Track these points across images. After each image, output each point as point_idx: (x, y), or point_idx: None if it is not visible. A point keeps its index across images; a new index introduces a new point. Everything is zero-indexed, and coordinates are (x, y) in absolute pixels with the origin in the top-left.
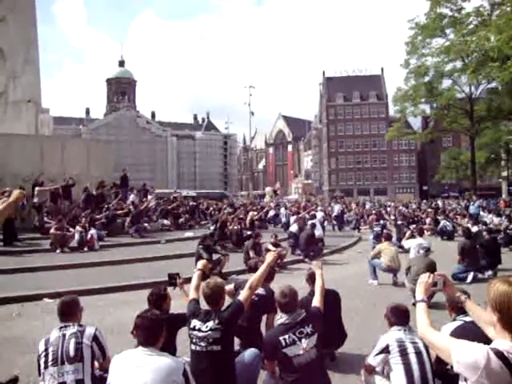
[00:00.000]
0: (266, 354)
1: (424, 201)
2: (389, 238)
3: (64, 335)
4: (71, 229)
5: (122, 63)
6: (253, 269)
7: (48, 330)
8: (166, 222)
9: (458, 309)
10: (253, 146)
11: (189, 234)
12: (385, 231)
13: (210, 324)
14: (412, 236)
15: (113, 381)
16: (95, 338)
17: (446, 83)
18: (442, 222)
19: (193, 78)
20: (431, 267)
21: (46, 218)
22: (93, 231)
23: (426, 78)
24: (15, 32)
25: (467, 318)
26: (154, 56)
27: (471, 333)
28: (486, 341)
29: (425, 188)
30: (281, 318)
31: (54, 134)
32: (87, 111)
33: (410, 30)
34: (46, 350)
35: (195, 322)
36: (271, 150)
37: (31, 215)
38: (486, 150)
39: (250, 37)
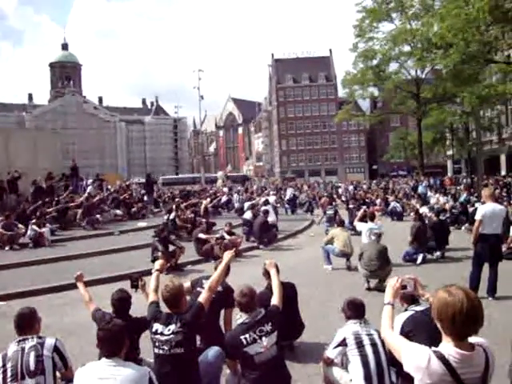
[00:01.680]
0: (228, 354)
1: (374, 181)
2: (341, 223)
3: (23, 349)
4: (20, 225)
5: (65, 46)
6: (208, 255)
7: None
8: (118, 212)
9: (409, 299)
10: (203, 130)
11: (142, 224)
12: (337, 217)
13: (172, 327)
14: (364, 218)
15: None
16: (56, 349)
17: (394, 66)
18: (392, 204)
19: (141, 61)
20: (382, 253)
21: None
22: (45, 229)
23: (374, 62)
24: None
25: (418, 308)
26: (99, 38)
27: (421, 322)
28: (436, 330)
29: (374, 167)
30: (240, 318)
31: None
32: (30, 97)
33: (358, 13)
34: (4, 365)
35: (157, 326)
36: (221, 132)
37: None
38: (433, 130)
39: (199, 19)
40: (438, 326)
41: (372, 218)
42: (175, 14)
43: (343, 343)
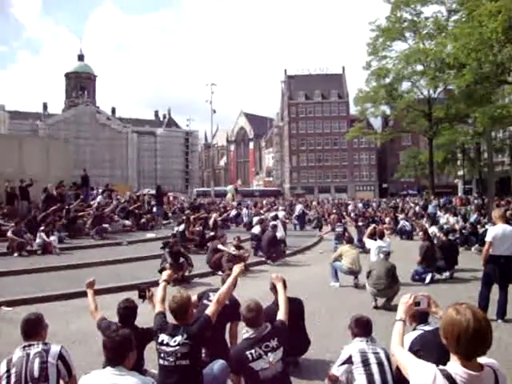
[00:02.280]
0: (233, 369)
1: (384, 199)
2: (350, 240)
3: (28, 355)
4: (28, 233)
5: (81, 57)
6: (216, 266)
7: (6, 341)
8: (127, 222)
9: (419, 318)
10: (214, 143)
11: (151, 235)
12: (346, 234)
13: (179, 339)
14: (373, 235)
15: None
16: (61, 357)
17: (406, 85)
18: (402, 222)
19: (154, 73)
20: (391, 271)
21: (1, 221)
22: (53, 237)
23: (387, 80)
24: None
25: (426, 327)
26: (114, 50)
27: (430, 341)
28: (444, 349)
29: (384, 186)
30: (246, 333)
31: (11, 131)
32: (45, 106)
33: (371, 32)
34: (9, 371)
35: (163, 337)
36: (233, 147)
37: None
38: (444, 149)
39: (213, 33)
40: (445, 344)
41: (381, 235)
42: (189, 27)
43: (349, 361)
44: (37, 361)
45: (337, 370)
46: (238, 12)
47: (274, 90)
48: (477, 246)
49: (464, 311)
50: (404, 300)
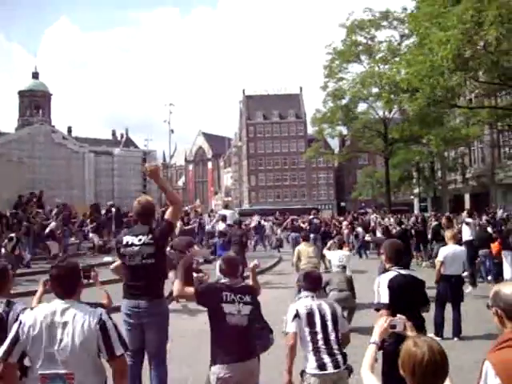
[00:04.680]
0: (200, 295)
1: (341, 218)
2: (306, 238)
3: None
4: None
5: (35, 75)
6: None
7: None
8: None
9: (394, 260)
10: (173, 163)
11: (108, 258)
12: (302, 233)
13: (144, 238)
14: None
15: (29, 336)
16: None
17: (363, 106)
18: (360, 232)
19: (111, 92)
20: (350, 282)
21: None
22: None
23: (343, 101)
24: None
25: (402, 271)
26: (70, 68)
27: (402, 285)
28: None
29: (342, 204)
30: (223, 279)
31: None
32: None
33: (328, 54)
34: None
35: (127, 238)
36: (191, 166)
37: None
38: (399, 168)
39: (170, 52)
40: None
41: (341, 246)
42: (147, 46)
43: (297, 316)
44: None
45: (290, 327)
46: (195, 31)
47: (233, 110)
48: (428, 262)
49: (421, 343)
50: (379, 323)
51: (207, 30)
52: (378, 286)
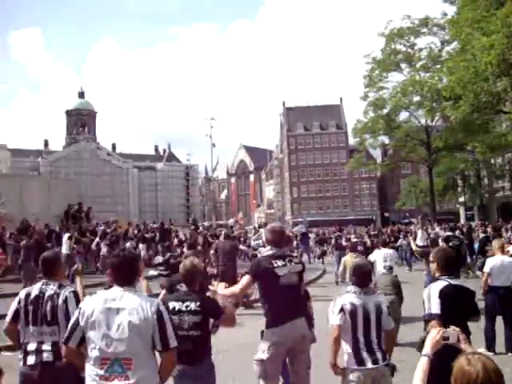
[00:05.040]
0: (254, 270)
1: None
2: (354, 248)
3: (43, 295)
4: None
5: (81, 94)
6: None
7: None
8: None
9: (445, 268)
10: (215, 177)
11: (153, 272)
12: (350, 242)
13: (191, 305)
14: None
15: (88, 321)
16: (66, 300)
17: (404, 115)
18: (400, 241)
19: (154, 108)
20: (397, 284)
21: None
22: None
23: (384, 111)
24: None
25: (453, 281)
26: (113, 85)
27: (453, 297)
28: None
29: (386, 215)
30: (269, 250)
31: (12, 169)
32: (46, 143)
33: (367, 64)
34: (26, 305)
35: (174, 304)
36: (233, 180)
37: None
38: (444, 177)
39: (211, 66)
40: None
41: (384, 244)
42: (187, 62)
43: (342, 311)
44: (49, 304)
45: (335, 319)
46: (235, 45)
47: (273, 122)
48: (478, 272)
49: (475, 362)
50: (432, 335)
51: (246, 42)
52: (428, 296)
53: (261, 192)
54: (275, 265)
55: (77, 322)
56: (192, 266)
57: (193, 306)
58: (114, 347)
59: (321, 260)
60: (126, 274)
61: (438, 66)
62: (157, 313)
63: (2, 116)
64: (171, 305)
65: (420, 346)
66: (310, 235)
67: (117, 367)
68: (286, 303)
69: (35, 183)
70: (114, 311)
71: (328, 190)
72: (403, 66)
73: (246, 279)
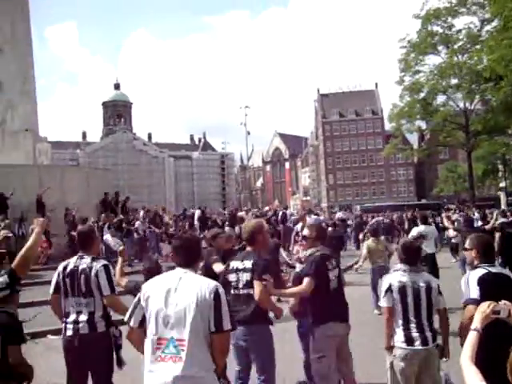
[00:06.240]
0: (317, 271)
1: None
2: (375, 233)
3: (77, 268)
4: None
5: (117, 86)
6: None
7: (53, 369)
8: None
9: (484, 255)
10: (250, 165)
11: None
12: (369, 228)
13: (247, 263)
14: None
15: (148, 301)
16: (97, 274)
17: (441, 99)
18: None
19: (188, 97)
20: (430, 260)
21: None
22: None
23: (421, 95)
24: (12, 62)
25: (493, 269)
26: (148, 76)
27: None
28: None
29: (424, 201)
30: (318, 251)
31: (52, 161)
32: (84, 135)
33: (402, 48)
34: (64, 278)
35: (233, 263)
36: (268, 167)
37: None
38: (483, 162)
39: (244, 54)
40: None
41: (424, 220)
42: (221, 50)
43: (389, 289)
44: (83, 277)
45: (383, 302)
46: (267, 32)
47: (308, 109)
48: None
49: None
50: (482, 308)
51: (279, 29)
52: (466, 284)
53: (296, 179)
54: (329, 267)
55: (138, 301)
56: (253, 226)
57: (248, 263)
58: (170, 327)
59: (357, 245)
60: (186, 255)
61: (478, 47)
62: (214, 294)
63: (43, 110)
64: (232, 264)
65: (460, 330)
66: (348, 222)
67: (172, 348)
68: (338, 306)
69: (74, 174)
70: (173, 292)
71: (364, 176)
72: (440, 48)
73: (309, 282)
